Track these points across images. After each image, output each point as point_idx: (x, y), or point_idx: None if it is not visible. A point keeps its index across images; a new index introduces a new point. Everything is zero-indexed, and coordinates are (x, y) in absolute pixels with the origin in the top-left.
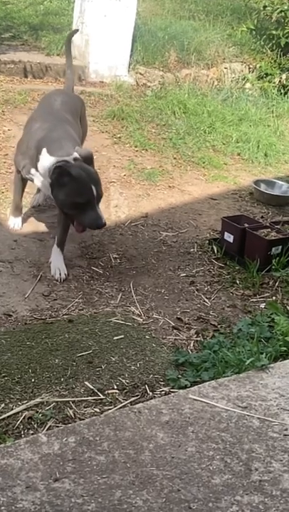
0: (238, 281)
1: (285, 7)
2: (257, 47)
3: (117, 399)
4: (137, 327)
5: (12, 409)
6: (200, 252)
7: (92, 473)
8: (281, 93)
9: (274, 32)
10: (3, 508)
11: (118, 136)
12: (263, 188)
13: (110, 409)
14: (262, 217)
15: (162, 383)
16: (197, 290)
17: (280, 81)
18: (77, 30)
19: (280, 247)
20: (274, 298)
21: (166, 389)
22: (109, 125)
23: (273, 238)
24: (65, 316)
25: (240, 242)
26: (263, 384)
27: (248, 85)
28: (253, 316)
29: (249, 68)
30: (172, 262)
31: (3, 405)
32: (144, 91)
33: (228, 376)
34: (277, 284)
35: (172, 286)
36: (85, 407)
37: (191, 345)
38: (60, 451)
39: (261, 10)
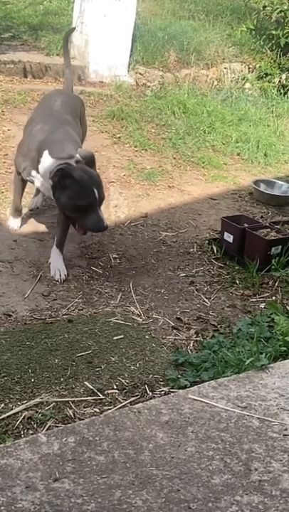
0: (237, 281)
1: (285, 7)
2: (257, 47)
3: (116, 399)
4: (137, 327)
5: (12, 409)
6: (200, 252)
7: (92, 473)
8: (281, 93)
9: (274, 32)
10: (2, 508)
11: (118, 136)
12: (262, 188)
13: (110, 409)
14: (261, 217)
15: (162, 383)
16: (197, 290)
17: (279, 81)
18: (73, 29)
19: (280, 247)
20: (274, 298)
21: (165, 389)
22: (108, 125)
23: (273, 238)
24: (64, 316)
25: (240, 242)
26: (262, 384)
27: (247, 85)
28: (253, 316)
29: (249, 68)
30: (172, 262)
31: (2, 405)
32: (144, 91)
33: (227, 376)
34: (276, 284)
35: (172, 286)
36: (84, 407)
37: (191, 345)
38: (60, 451)
39: (261, 10)
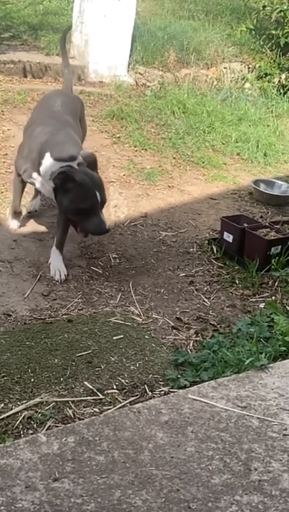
0: (237, 281)
1: (285, 7)
2: (256, 47)
3: (116, 399)
4: (137, 327)
5: (11, 409)
6: (199, 252)
7: (92, 473)
8: (280, 93)
9: (273, 32)
10: (2, 507)
11: (117, 136)
12: (262, 187)
13: (110, 409)
14: (261, 217)
15: (162, 383)
16: (196, 290)
17: (279, 81)
18: (70, 28)
19: (280, 246)
20: (273, 298)
21: (165, 389)
22: (108, 125)
23: (273, 238)
24: (64, 316)
25: (240, 242)
26: (262, 384)
27: (247, 85)
28: (253, 315)
29: (248, 68)
30: (171, 261)
31: (2, 405)
32: (144, 91)
33: (227, 376)
34: (276, 283)
35: (172, 286)
36: (84, 407)
37: (191, 345)
38: (60, 451)
39: (261, 10)
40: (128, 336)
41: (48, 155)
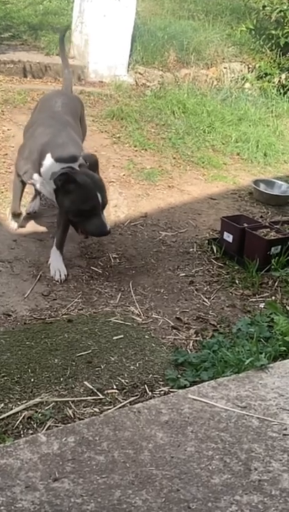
0: (237, 281)
1: (285, 7)
2: (256, 47)
3: (116, 399)
4: (137, 327)
5: (11, 409)
6: (199, 252)
7: (92, 473)
8: (280, 93)
9: (273, 32)
10: (2, 507)
11: (117, 135)
12: (262, 187)
13: (110, 409)
14: (261, 217)
15: (161, 383)
16: (196, 290)
17: (279, 81)
18: (67, 28)
19: (280, 246)
20: (273, 298)
21: (165, 389)
22: (108, 125)
23: (273, 238)
24: (64, 316)
25: (240, 242)
26: (262, 384)
27: (247, 85)
28: (253, 315)
29: (248, 68)
30: (171, 261)
31: (2, 405)
32: (144, 91)
33: (227, 376)
34: (276, 283)
35: (171, 286)
36: (84, 407)
37: (191, 345)
38: (60, 451)
39: (260, 10)
40: (128, 336)
41: (49, 156)
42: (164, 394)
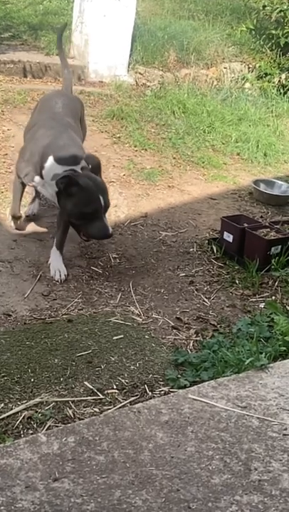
0: (237, 281)
1: (285, 7)
2: (256, 47)
3: (116, 399)
4: (137, 327)
5: (11, 409)
6: (199, 252)
7: (92, 473)
8: (280, 93)
9: (273, 32)
10: (2, 507)
11: (117, 135)
12: (262, 187)
13: (110, 409)
14: (261, 217)
15: (162, 383)
16: (196, 290)
17: (279, 81)
18: (65, 27)
19: (280, 246)
20: (273, 298)
21: (165, 389)
22: (108, 125)
23: (273, 238)
24: (64, 316)
25: (240, 242)
26: (262, 384)
27: (247, 85)
28: (253, 315)
29: (248, 68)
30: (171, 261)
31: (2, 405)
32: (144, 91)
33: (227, 376)
34: (276, 283)
35: (172, 286)
36: (84, 407)
37: (191, 344)
38: (60, 451)
39: (261, 10)
40: (128, 336)
41: (51, 158)
42: (164, 394)
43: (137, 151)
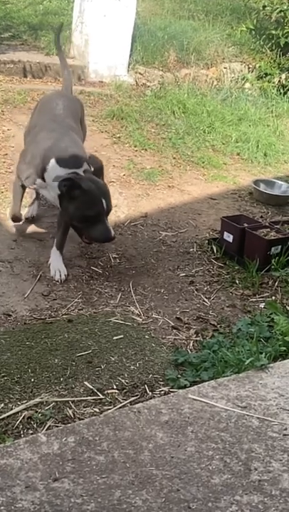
0: (237, 281)
1: (285, 7)
2: (256, 47)
3: (116, 399)
4: (137, 327)
5: (11, 409)
6: (199, 252)
7: (92, 473)
8: (280, 93)
9: (273, 32)
10: (2, 507)
11: (117, 135)
12: (262, 187)
13: (110, 409)
14: (261, 217)
15: (162, 383)
16: (196, 290)
17: (279, 81)
18: (61, 26)
19: (280, 246)
20: (273, 298)
21: (165, 389)
22: (108, 125)
23: (273, 238)
24: (64, 316)
25: (240, 242)
26: (262, 384)
27: (247, 85)
28: (253, 315)
29: (248, 68)
30: (172, 261)
31: (2, 405)
32: (144, 91)
33: (227, 376)
34: (276, 283)
35: (172, 286)
36: (84, 407)
37: (191, 345)
38: (60, 451)
39: (261, 10)
40: (128, 336)
41: (53, 161)
42: (164, 394)
43: (137, 151)
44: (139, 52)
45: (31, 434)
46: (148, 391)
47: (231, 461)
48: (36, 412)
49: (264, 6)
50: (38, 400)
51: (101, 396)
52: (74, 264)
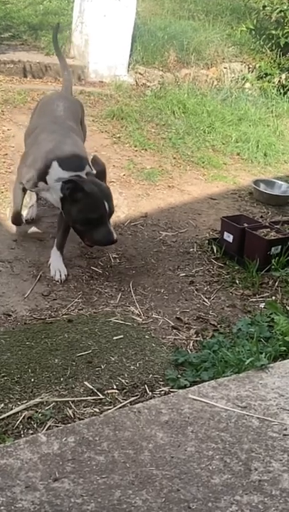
0: (237, 281)
1: (285, 7)
2: (256, 47)
3: (116, 399)
4: (137, 327)
5: (12, 409)
6: (199, 252)
7: (92, 473)
8: (280, 93)
9: (273, 32)
10: (2, 507)
11: (118, 135)
12: (262, 187)
13: (110, 409)
14: (261, 217)
15: (162, 383)
16: (197, 290)
17: (279, 81)
18: (58, 27)
19: (280, 246)
20: (273, 298)
21: (165, 389)
22: (108, 125)
23: (273, 238)
24: (64, 316)
25: (240, 242)
26: (262, 384)
27: (247, 85)
28: (253, 315)
29: (249, 68)
30: (172, 261)
31: (2, 405)
32: (144, 91)
33: (227, 376)
34: (276, 283)
35: (172, 286)
36: (84, 407)
37: (191, 345)
38: (60, 451)
39: (261, 10)
40: (128, 336)
41: (55, 164)
42: (164, 394)
43: (137, 151)
44: (139, 52)
45: (31, 434)
46: (148, 391)
47: (231, 461)
48: (36, 412)
49: (264, 6)
50: (38, 399)
51: (101, 396)
52: (74, 264)
